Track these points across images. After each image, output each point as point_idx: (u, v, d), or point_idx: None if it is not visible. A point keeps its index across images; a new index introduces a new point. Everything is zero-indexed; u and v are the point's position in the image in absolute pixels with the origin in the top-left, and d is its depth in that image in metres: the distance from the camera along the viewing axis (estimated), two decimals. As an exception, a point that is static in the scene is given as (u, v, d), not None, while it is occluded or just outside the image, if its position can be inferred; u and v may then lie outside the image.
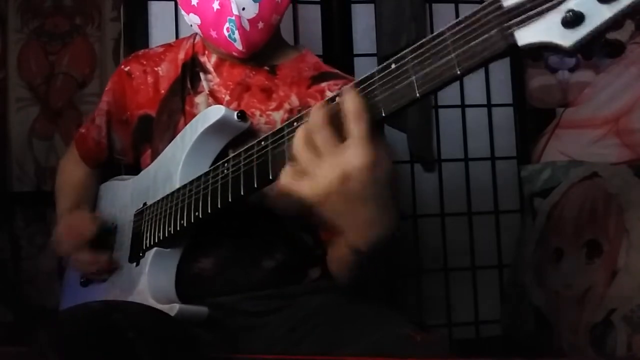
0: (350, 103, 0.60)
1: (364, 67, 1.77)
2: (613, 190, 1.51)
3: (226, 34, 0.91)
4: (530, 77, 1.88)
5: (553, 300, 1.60)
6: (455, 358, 0.83)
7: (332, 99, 0.64)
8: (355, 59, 1.78)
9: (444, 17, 1.83)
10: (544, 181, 1.76)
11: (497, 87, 1.86)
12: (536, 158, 1.86)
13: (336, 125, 0.61)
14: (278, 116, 0.96)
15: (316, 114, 0.62)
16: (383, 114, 0.60)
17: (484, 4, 0.53)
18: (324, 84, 0.99)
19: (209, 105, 0.96)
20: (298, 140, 0.63)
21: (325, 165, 0.61)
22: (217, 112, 0.87)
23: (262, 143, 0.72)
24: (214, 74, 1.00)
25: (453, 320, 1.83)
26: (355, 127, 0.60)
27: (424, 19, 1.76)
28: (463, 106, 1.85)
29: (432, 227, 1.83)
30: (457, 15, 1.83)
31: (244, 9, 0.90)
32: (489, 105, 1.87)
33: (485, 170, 1.86)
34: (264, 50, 0.98)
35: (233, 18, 0.90)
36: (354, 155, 0.59)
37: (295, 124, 0.68)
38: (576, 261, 1.55)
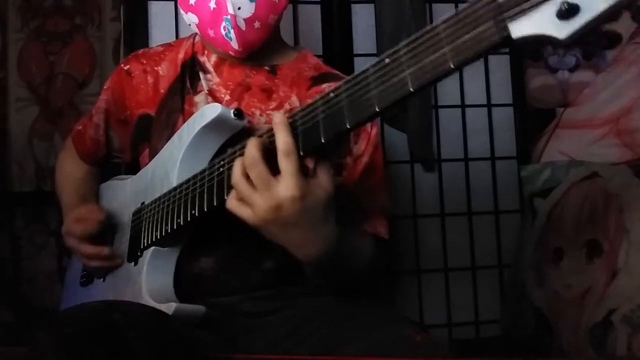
0: (281, 140, 0.66)
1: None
2: (613, 190, 1.51)
3: (222, 32, 0.92)
4: (530, 77, 1.88)
5: (553, 301, 1.60)
6: (455, 358, 0.83)
7: (266, 133, 0.70)
8: (355, 59, 1.78)
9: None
10: (544, 181, 1.76)
11: (497, 87, 1.86)
12: (536, 158, 1.86)
13: (270, 158, 0.67)
14: (278, 116, 0.96)
15: (250, 150, 0.68)
16: (377, 109, 0.60)
17: None
18: (324, 85, 0.99)
19: (208, 104, 0.96)
20: (235, 173, 0.70)
21: (258, 196, 0.68)
22: (213, 110, 0.86)
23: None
24: (213, 73, 1.00)
25: (453, 320, 1.83)
26: (285, 163, 0.66)
27: (424, 19, 1.76)
28: (463, 106, 1.85)
29: (432, 227, 1.83)
30: (457, 15, 1.84)
31: (239, 8, 0.90)
32: (489, 105, 1.87)
33: (485, 170, 1.86)
34: (263, 50, 0.98)
35: (229, 17, 0.90)
36: (284, 188, 0.67)
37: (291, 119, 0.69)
38: (576, 261, 1.55)
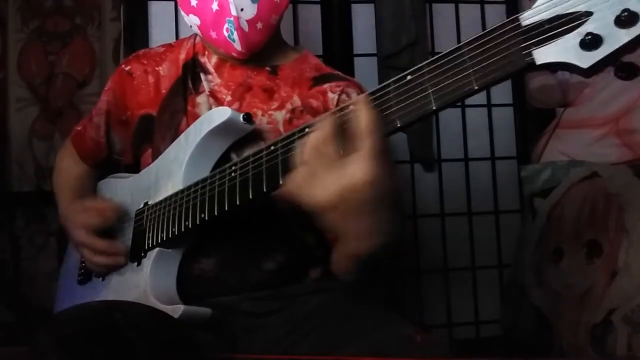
0: (363, 116, 0.61)
1: (364, 67, 1.77)
2: (613, 190, 1.51)
3: (225, 34, 0.92)
4: (530, 77, 1.88)
5: (553, 300, 1.60)
6: (455, 358, 0.83)
7: (345, 107, 0.65)
8: (355, 59, 1.78)
9: (444, 17, 1.83)
10: (544, 181, 1.76)
11: (497, 87, 1.85)
12: (536, 158, 1.86)
13: (346, 134, 0.62)
14: (280, 116, 0.95)
15: (327, 124, 0.63)
16: (398, 125, 0.61)
17: (503, 21, 0.53)
18: (325, 85, 0.99)
19: (210, 105, 0.96)
20: (308, 148, 0.64)
21: (331, 175, 0.62)
22: (222, 114, 0.87)
23: (272, 147, 0.72)
24: (214, 74, 1.00)
25: (453, 320, 1.83)
26: (365, 141, 0.61)
27: (424, 19, 1.76)
28: (463, 106, 1.85)
29: (432, 227, 1.83)
30: (457, 15, 1.84)
31: (242, 9, 0.90)
32: (489, 105, 1.87)
33: (485, 170, 1.86)
34: (264, 51, 0.98)
35: (232, 19, 0.90)
36: (360, 168, 0.61)
37: (306, 129, 0.68)
38: (576, 261, 1.55)
